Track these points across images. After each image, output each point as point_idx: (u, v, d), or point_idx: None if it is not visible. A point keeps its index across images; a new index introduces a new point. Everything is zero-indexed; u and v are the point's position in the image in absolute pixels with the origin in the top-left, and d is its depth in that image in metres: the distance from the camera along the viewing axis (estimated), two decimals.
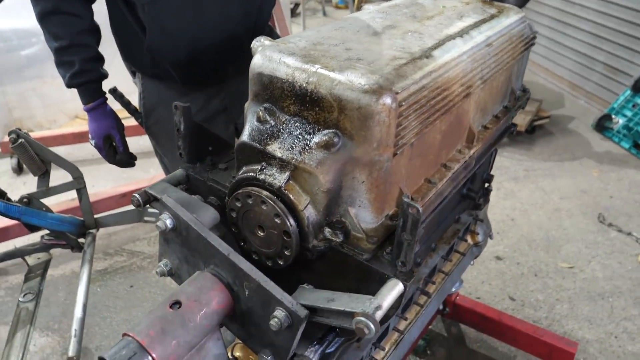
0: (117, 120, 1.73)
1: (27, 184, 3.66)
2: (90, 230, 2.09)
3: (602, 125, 4.30)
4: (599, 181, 3.59)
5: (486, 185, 1.73)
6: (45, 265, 2.01)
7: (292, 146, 0.92)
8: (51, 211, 2.01)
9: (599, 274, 2.74)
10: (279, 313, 0.88)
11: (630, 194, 3.45)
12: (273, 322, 0.89)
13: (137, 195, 1.06)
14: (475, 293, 2.59)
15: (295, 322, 0.89)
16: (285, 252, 0.96)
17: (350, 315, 0.84)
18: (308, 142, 0.91)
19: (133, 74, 1.80)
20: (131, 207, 3.09)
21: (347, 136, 0.90)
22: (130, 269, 2.89)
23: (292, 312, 0.88)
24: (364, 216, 0.97)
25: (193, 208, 1.00)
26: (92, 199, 2.58)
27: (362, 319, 0.81)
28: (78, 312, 1.59)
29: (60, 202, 2.61)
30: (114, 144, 1.74)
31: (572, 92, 5.03)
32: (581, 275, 2.74)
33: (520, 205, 3.31)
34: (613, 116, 4.29)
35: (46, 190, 2.06)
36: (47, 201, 2.15)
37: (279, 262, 0.99)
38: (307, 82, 0.91)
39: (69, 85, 1.60)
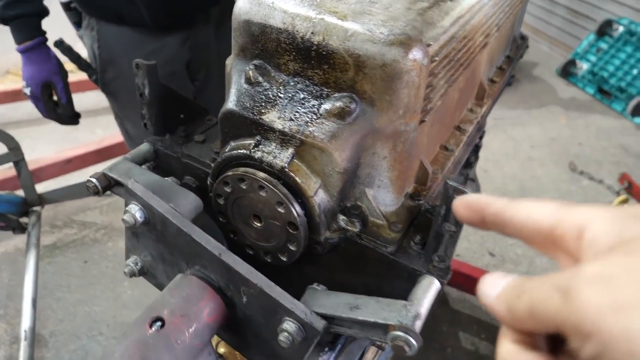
0: (59, 65, 1.47)
1: None
2: (34, 208, 1.81)
3: (567, 71, 4.24)
4: (567, 128, 3.56)
5: (477, 141, 1.59)
6: None
7: (295, 115, 0.72)
8: None
9: None
10: (290, 326, 0.71)
11: (598, 140, 3.43)
12: (282, 338, 0.71)
13: (94, 180, 0.83)
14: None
15: (310, 336, 0.72)
16: (290, 247, 0.77)
17: (383, 328, 0.67)
18: (316, 110, 0.71)
19: (77, 24, 1.53)
20: (79, 174, 2.79)
21: (367, 101, 0.70)
22: (82, 243, 2.64)
23: (305, 324, 0.71)
24: (384, 198, 0.79)
25: (168, 194, 0.80)
26: (32, 166, 2.28)
27: (400, 334, 0.64)
28: (27, 308, 1.36)
29: None
30: (54, 94, 1.49)
31: (534, 37, 4.94)
32: None
33: (492, 156, 3.23)
34: (577, 61, 4.23)
35: None
36: None
37: (282, 258, 0.80)
38: (312, 33, 0.70)
39: (1, 19, 1.35)
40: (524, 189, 2.95)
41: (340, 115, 0.70)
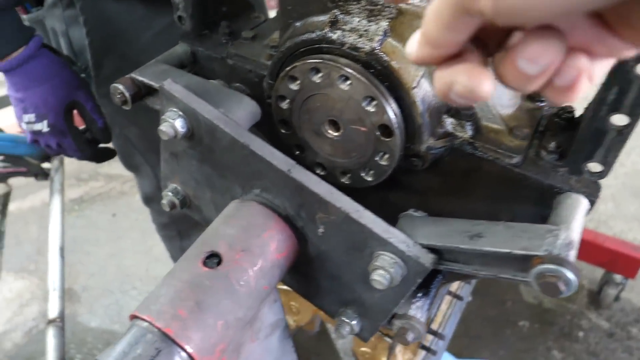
0: (78, 74, 0.99)
1: None
2: None
3: None
4: None
5: None
6: (4, 199, 1.61)
7: None
8: (1, 130, 1.58)
9: None
10: (386, 261, 0.54)
11: None
12: (377, 277, 0.54)
13: (120, 87, 0.65)
14: None
15: (413, 274, 0.55)
16: (380, 162, 0.59)
17: (522, 261, 0.49)
18: None
19: (29, 3, 1.04)
20: None
21: None
22: (109, 196, 2.51)
23: (408, 259, 0.53)
24: (499, 96, 0.60)
25: (216, 99, 0.61)
26: None
27: (552, 266, 0.46)
28: (54, 257, 1.23)
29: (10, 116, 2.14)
30: (83, 118, 1.02)
31: None
32: (622, 170, 2.46)
33: None
34: None
35: None
36: None
37: (365, 178, 0.62)
38: None
39: None
40: None
41: None
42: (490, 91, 0.30)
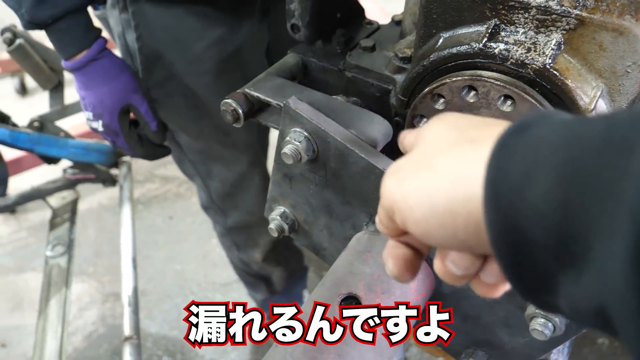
0: (134, 76, 0.99)
1: (35, 107, 3.17)
2: (124, 159, 1.64)
3: None
4: None
5: None
6: (73, 206, 1.59)
7: None
8: (72, 137, 1.55)
9: None
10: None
11: None
12: (538, 327, 0.47)
13: (233, 103, 0.60)
14: None
15: (577, 324, 0.47)
16: None
17: None
18: None
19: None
20: None
21: None
22: (165, 198, 2.50)
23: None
24: None
25: (344, 118, 0.55)
26: None
27: None
28: (127, 270, 1.20)
29: (83, 123, 2.13)
30: (137, 120, 1.03)
31: None
32: None
33: None
34: None
35: (62, 109, 1.56)
36: (65, 123, 1.68)
37: None
38: None
39: (31, 24, 0.85)
40: None
41: None
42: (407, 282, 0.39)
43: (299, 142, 0.53)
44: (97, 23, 0.99)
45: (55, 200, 1.54)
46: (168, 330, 1.94)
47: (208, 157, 1.16)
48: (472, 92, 0.49)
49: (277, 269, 1.39)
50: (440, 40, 0.51)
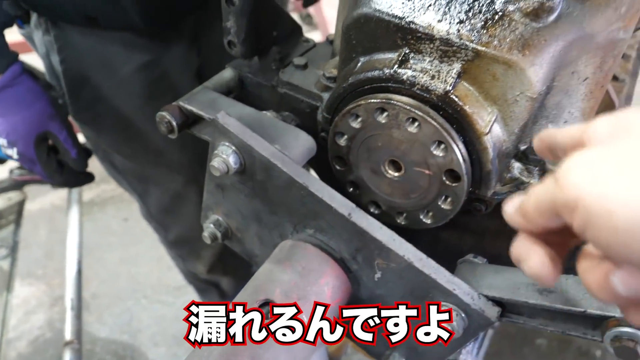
0: (54, 102, 0.96)
1: None
2: None
3: None
4: None
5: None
6: (19, 207, 1.57)
7: (466, 15, 0.49)
8: None
9: None
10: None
11: None
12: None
13: (167, 115, 0.63)
14: None
15: (475, 327, 0.52)
16: (442, 206, 0.56)
17: (599, 320, 0.46)
18: (500, 8, 0.49)
19: (20, 19, 0.98)
20: None
21: None
22: (122, 199, 2.48)
23: (473, 311, 0.51)
24: None
25: (271, 133, 0.59)
26: None
27: (630, 330, 0.43)
28: (71, 272, 1.20)
29: None
30: (55, 147, 0.99)
31: None
32: None
33: None
34: None
35: None
36: None
37: (425, 220, 0.59)
38: None
39: None
40: None
41: (537, 13, 0.47)
42: (551, 284, 0.36)
43: (227, 155, 0.57)
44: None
45: (1, 201, 1.52)
46: (118, 335, 1.93)
47: (143, 176, 1.16)
48: (385, 114, 0.53)
49: (225, 278, 1.40)
50: (359, 64, 0.56)
